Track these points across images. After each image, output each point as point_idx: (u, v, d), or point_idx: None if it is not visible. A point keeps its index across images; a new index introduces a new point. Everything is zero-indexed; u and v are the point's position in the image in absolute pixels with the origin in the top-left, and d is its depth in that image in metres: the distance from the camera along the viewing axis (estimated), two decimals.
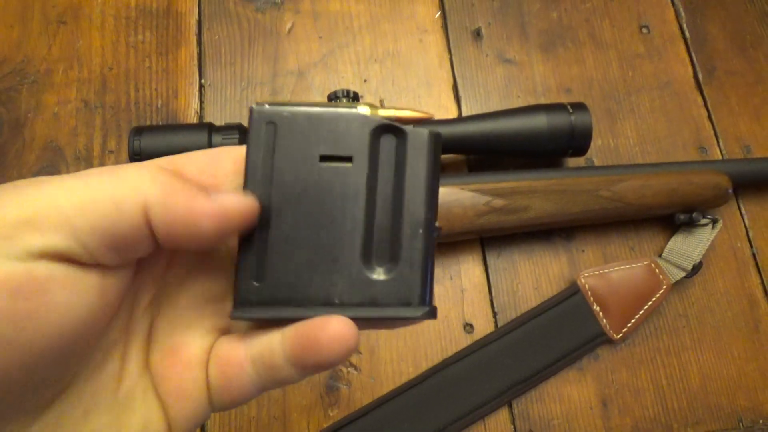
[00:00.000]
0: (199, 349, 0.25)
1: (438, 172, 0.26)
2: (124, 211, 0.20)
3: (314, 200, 0.25)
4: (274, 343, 0.24)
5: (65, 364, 0.21)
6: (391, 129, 0.26)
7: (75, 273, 0.20)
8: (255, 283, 0.25)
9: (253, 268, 0.25)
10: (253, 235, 0.25)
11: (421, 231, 0.25)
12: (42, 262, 0.19)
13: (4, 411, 0.20)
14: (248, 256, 0.25)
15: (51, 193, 0.20)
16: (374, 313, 0.25)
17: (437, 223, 0.26)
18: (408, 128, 0.26)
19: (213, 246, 0.24)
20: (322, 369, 0.24)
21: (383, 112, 0.26)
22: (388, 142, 0.26)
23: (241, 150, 0.26)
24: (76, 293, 0.20)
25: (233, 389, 0.25)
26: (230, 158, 0.26)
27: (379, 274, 0.25)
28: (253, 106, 0.25)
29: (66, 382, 0.22)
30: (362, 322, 0.25)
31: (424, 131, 0.26)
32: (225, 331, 0.27)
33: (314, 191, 0.25)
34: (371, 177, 0.26)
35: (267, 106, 0.25)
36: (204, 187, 0.23)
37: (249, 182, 0.25)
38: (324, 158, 0.25)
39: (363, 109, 0.26)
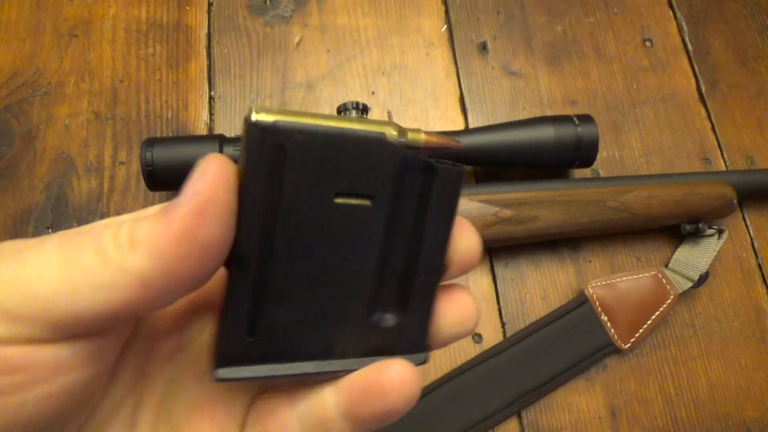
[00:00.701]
0: (231, 415, 0.23)
1: (456, 214, 0.23)
2: (113, 300, 0.18)
3: (323, 242, 0.21)
4: (326, 398, 0.22)
5: (61, 423, 0.20)
6: (421, 164, 0.22)
7: (51, 349, 0.18)
8: (245, 336, 0.21)
9: (244, 319, 0.21)
10: (245, 280, 0.21)
11: (434, 278, 0.23)
12: (14, 346, 0.17)
13: None
14: (239, 304, 0.21)
15: (30, 280, 0.17)
16: (373, 362, 0.22)
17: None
18: (439, 165, 0.22)
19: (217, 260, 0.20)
20: (384, 422, 0.21)
21: (412, 135, 0.22)
22: (414, 177, 0.22)
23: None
24: (54, 367, 0.18)
25: None
26: None
27: (385, 322, 0.23)
28: (253, 116, 0.19)
29: None
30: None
31: (456, 169, 0.22)
32: (262, 389, 0.24)
33: (324, 231, 0.21)
34: (392, 218, 0.22)
35: (271, 119, 0.19)
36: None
37: (245, 218, 0.20)
38: (340, 194, 0.21)
39: (389, 130, 0.21)
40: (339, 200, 0.21)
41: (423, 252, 0.22)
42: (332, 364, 0.22)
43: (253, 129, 0.19)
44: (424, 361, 0.23)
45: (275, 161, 0.19)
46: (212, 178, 0.19)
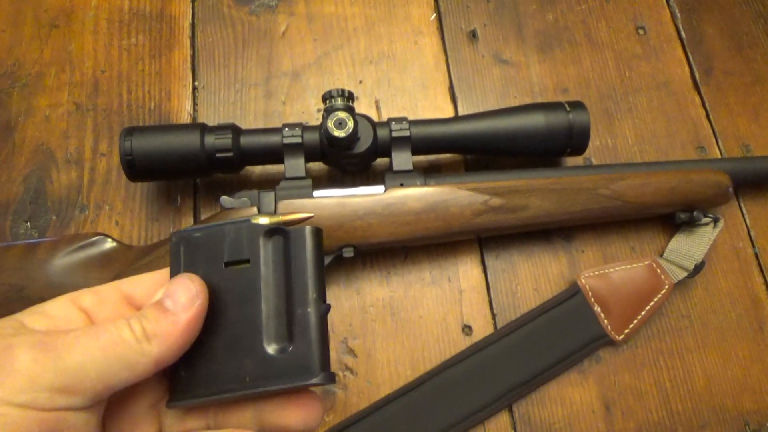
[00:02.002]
0: None
1: (321, 260, 0.32)
2: (135, 375, 0.27)
3: (224, 299, 0.31)
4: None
5: None
6: (277, 231, 0.32)
7: (85, 414, 0.26)
8: (184, 375, 0.30)
9: (182, 364, 0.30)
10: None
11: (309, 310, 0.31)
12: (62, 413, 0.25)
13: None
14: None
15: (82, 365, 0.26)
16: (278, 385, 0.30)
17: (327, 303, 0.32)
18: (290, 229, 0.32)
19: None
20: None
21: (272, 219, 0.32)
22: (276, 242, 0.32)
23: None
24: (85, 426, 0.26)
25: None
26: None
27: (279, 352, 0.30)
28: (172, 232, 0.33)
29: None
30: (275, 393, 0.31)
31: (303, 230, 0.32)
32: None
33: (223, 292, 0.31)
34: (266, 272, 0.31)
35: (183, 229, 0.32)
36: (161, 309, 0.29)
37: None
38: (228, 263, 0.32)
39: (263, 220, 0.32)
40: (228, 268, 0.32)
41: (295, 293, 0.31)
42: (245, 390, 0.30)
43: (171, 237, 0.33)
44: (322, 380, 0.30)
45: (185, 251, 0.32)
46: (203, 293, 0.30)
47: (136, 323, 0.27)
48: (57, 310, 0.29)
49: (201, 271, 0.31)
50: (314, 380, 0.29)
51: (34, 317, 0.28)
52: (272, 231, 0.32)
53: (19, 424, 0.24)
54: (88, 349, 0.26)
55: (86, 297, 0.30)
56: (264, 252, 0.32)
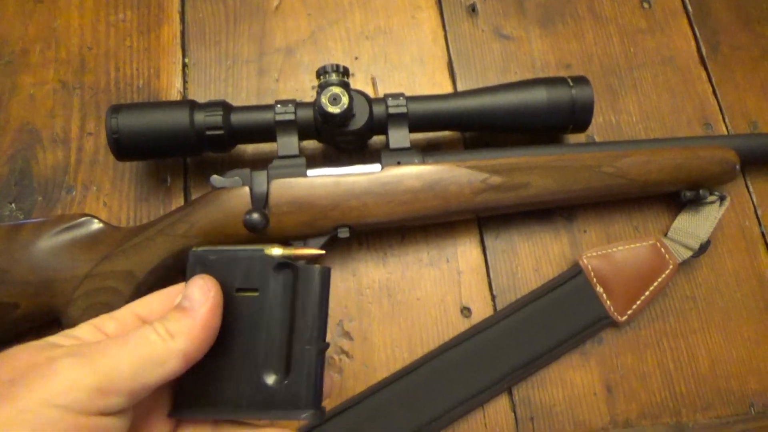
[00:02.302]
0: None
1: (327, 299, 0.33)
2: (167, 371, 0.29)
3: (231, 324, 0.32)
4: None
5: None
6: (287, 266, 0.33)
7: (121, 418, 0.28)
8: (186, 390, 0.32)
9: (187, 379, 0.32)
10: None
11: (308, 347, 0.32)
12: (99, 418, 0.27)
13: None
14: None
15: (116, 368, 0.27)
16: (270, 414, 0.31)
17: (326, 342, 0.33)
18: (301, 265, 0.33)
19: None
20: None
21: (285, 251, 0.33)
22: (286, 276, 0.33)
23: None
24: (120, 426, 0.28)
25: None
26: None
27: (275, 383, 0.32)
28: (191, 251, 0.34)
29: None
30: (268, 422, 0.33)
31: (313, 268, 0.33)
32: None
33: (231, 316, 0.32)
34: (272, 304, 0.33)
35: (201, 249, 0.34)
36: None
37: None
38: (239, 290, 0.33)
39: (276, 251, 0.33)
40: (238, 294, 0.33)
41: (297, 328, 0.32)
42: (238, 413, 0.32)
43: (189, 255, 0.34)
44: (310, 417, 0.31)
45: (201, 271, 0.33)
46: (215, 287, 0.32)
47: (159, 325, 0.29)
48: (84, 334, 0.31)
49: None
50: (303, 416, 0.31)
51: (65, 339, 0.30)
52: (283, 264, 0.33)
53: (58, 426, 0.25)
54: (119, 352, 0.28)
55: (108, 323, 0.32)
56: (273, 284, 0.33)
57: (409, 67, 0.58)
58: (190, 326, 0.30)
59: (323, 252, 0.34)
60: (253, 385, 0.32)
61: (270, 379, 0.32)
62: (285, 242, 0.35)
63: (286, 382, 0.32)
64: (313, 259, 0.34)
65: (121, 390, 0.27)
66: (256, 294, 0.33)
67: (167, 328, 0.29)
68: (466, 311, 0.50)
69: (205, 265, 0.33)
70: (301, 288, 0.33)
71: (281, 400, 0.31)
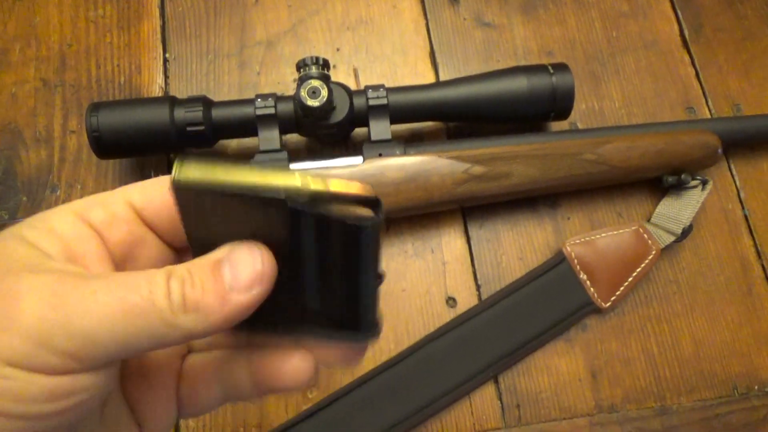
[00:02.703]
0: (168, 372, 0.27)
1: (377, 259, 0.23)
2: (161, 346, 0.22)
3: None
4: (241, 368, 0.26)
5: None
6: (317, 218, 0.22)
7: (90, 376, 0.21)
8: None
9: None
10: None
11: (367, 282, 0.23)
12: (73, 375, 0.21)
13: None
14: None
15: (91, 327, 0.20)
16: (325, 336, 0.25)
17: (381, 270, 0.24)
18: (338, 219, 0.22)
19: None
20: (280, 393, 0.27)
21: (314, 185, 0.21)
22: (312, 229, 0.22)
23: None
24: (92, 389, 0.22)
25: (201, 404, 0.28)
26: None
27: (315, 304, 0.24)
28: (174, 176, 0.21)
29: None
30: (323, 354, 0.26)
31: (353, 227, 0.22)
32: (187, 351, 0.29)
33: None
34: (300, 248, 0.23)
35: (185, 178, 0.21)
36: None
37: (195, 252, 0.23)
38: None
39: (293, 182, 0.21)
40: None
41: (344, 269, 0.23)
42: (301, 333, 0.25)
43: (173, 188, 0.21)
44: (367, 338, 0.25)
45: (197, 205, 0.22)
46: (269, 278, 0.22)
47: (177, 285, 0.21)
48: (65, 227, 0.23)
49: (221, 229, 0.24)
50: (361, 339, 0.25)
51: (40, 234, 0.23)
52: (308, 218, 0.22)
53: (22, 389, 0.20)
54: (108, 312, 0.20)
55: (95, 212, 0.24)
56: (294, 240, 0.23)
57: (390, 57, 0.58)
58: (214, 309, 0.21)
59: (375, 194, 0.23)
60: (302, 309, 0.25)
61: (319, 299, 0.24)
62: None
63: (334, 300, 0.24)
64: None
65: (97, 358, 0.21)
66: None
67: (185, 295, 0.21)
68: (451, 301, 0.50)
69: (204, 200, 0.22)
70: (336, 247, 0.23)
71: (329, 321, 0.24)
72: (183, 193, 0.21)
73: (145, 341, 0.21)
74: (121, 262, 0.25)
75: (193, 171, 0.21)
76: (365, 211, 0.22)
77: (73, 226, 0.23)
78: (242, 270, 0.22)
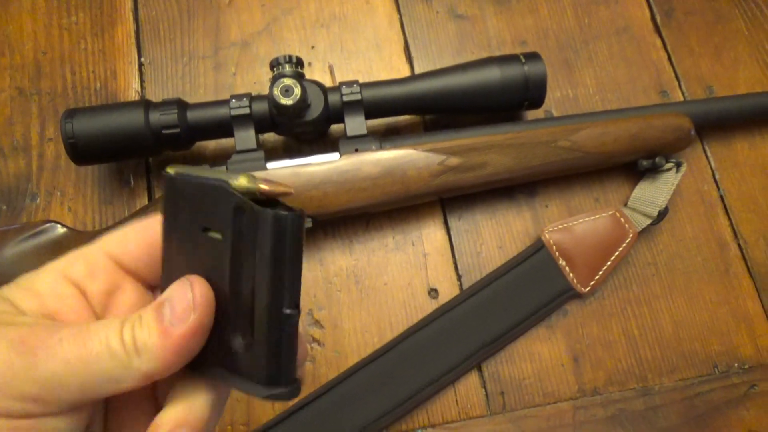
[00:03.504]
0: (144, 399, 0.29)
1: (294, 256, 0.24)
2: (120, 389, 0.24)
3: (195, 266, 0.26)
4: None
5: None
6: (246, 208, 0.24)
7: (54, 420, 0.23)
8: None
9: None
10: None
11: (265, 316, 0.24)
12: (38, 419, 0.23)
13: None
14: None
15: (59, 374, 0.23)
16: (233, 381, 0.25)
17: (290, 310, 0.24)
18: (257, 208, 0.24)
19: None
20: None
21: (249, 185, 0.24)
22: (247, 221, 0.24)
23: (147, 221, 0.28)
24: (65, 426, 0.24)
25: None
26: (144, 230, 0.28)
27: (240, 347, 0.25)
28: (166, 170, 0.26)
29: None
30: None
31: (267, 213, 0.23)
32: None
33: (197, 258, 0.26)
34: (235, 252, 0.24)
35: (174, 172, 0.26)
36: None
37: (165, 250, 0.27)
38: (205, 229, 0.25)
39: (241, 182, 0.24)
40: (206, 234, 0.25)
41: (257, 290, 0.24)
42: (214, 374, 0.26)
43: (164, 176, 0.26)
44: (271, 397, 0.25)
45: (175, 200, 0.26)
46: (203, 306, 0.24)
47: (128, 330, 0.24)
48: (47, 287, 0.26)
49: (180, 232, 0.26)
50: (263, 394, 0.25)
51: (23, 294, 0.25)
52: (241, 206, 0.24)
53: None
54: (70, 358, 0.22)
55: (77, 267, 0.26)
56: (235, 229, 0.24)
57: (365, 53, 0.58)
58: (159, 346, 0.23)
59: (291, 190, 0.25)
60: (224, 345, 0.25)
61: (237, 342, 0.25)
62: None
63: (251, 349, 0.25)
64: (278, 198, 0.25)
65: (61, 401, 0.23)
66: (220, 238, 0.25)
67: (135, 338, 0.23)
68: (433, 293, 0.51)
69: (177, 192, 0.26)
70: (258, 239, 0.24)
71: (246, 367, 0.25)
72: (170, 181, 0.26)
73: (105, 384, 0.23)
74: (102, 310, 0.27)
75: (179, 168, 0.26)
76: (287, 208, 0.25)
77: (53, 284, 0.26)
78: (177, 303, 0.24)
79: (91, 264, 0.27)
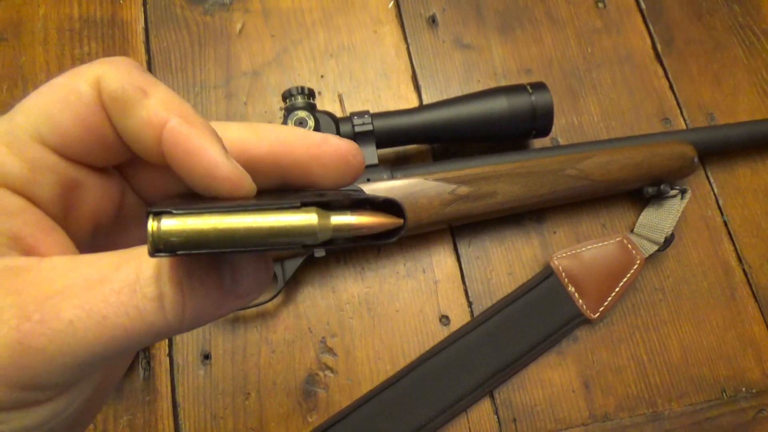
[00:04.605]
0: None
1: None
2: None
3: None
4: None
5: None
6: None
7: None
8: None
9: None
10: None
11: None
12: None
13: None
14: None
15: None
16: None
17: None
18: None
19: None
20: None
21: (336, 220, 0.18)
22: None
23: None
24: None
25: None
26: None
27: None
28: (153, 238, 0.16)
29: None
30: None
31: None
32: None
33: None
34: None
35: (167, 236, 0.16)
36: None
37: None
38: None
39: (309, 217, 0.17)
40: None
41: None
42: None
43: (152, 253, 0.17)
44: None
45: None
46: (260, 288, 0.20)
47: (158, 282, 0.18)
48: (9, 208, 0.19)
49: None
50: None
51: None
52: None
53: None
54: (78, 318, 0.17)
55: (7, 165, 0.19)
56: None
57: (374, 82, 0.59)
58: (202, 314, 0.18)
59: (401, 222, 0.19)
60: None
61: None
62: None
63: None
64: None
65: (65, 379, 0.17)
66: None
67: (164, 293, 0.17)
68: (444, 319, 0.51)
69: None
70: None
71: None
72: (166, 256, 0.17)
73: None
74: (69, 224, 0.21)
75: (177, 225, 0.16)
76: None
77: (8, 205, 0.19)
78: (245, 277, 0.19)
79: (23, 155, 0.19)
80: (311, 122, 0.46)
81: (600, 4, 0.63)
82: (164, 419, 0.48)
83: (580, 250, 0.52)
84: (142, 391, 0.49)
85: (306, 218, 0.17)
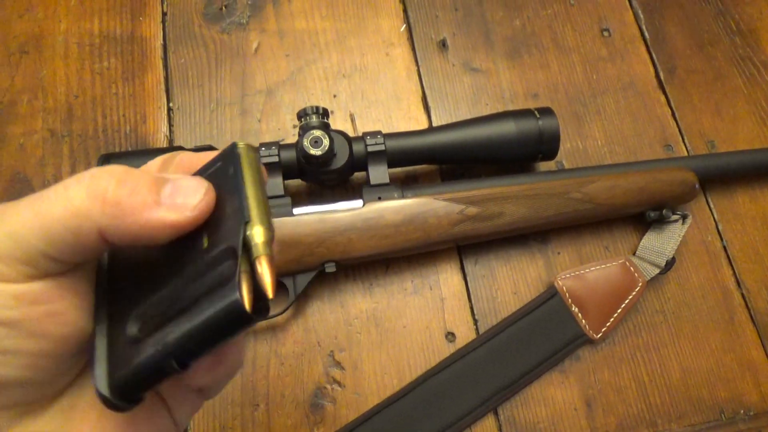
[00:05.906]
0: None
1: (216, 336, 0.23)
2: (81, 235, 0.22)
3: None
4: None
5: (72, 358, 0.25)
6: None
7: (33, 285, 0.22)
8: None
9: None
10: None
11: (159, 345, 0.23)
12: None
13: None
14: None
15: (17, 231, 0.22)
16: (97, 350, 0.25)
17: (175, 364, 0.23)
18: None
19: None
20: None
21: (258, 238, 0.23)
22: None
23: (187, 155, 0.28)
24: (42, 298, 0.23)
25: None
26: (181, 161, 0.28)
27: (128, 336, 0.24)
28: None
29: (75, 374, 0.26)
30: None
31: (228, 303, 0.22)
32: None
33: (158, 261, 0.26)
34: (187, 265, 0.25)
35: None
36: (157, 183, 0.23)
37: None
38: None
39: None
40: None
41: (173, 317, 0.24)
42: None
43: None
44: (106, 401, 0.24)
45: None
46: (204, 210, 0.24)
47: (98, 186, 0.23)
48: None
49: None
50: (102, 392, 0.23)
51: None
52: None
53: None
54: (22, 216, 0.22)
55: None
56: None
57: (385, 102, 0.61)
58: (142, 222, 0.23)
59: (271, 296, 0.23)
60: (123, 316, 0.25)
61: (131, 328, 0.25)
62: None
63: (134, 346, 0.24)
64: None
65: (30, 258, 0.22)
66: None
67: (116, 195, 0.22)
68: (450, 336, 0.53)
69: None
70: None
71: (114, 352, 0.24)
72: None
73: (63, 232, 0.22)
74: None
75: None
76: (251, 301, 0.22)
77: None
78: (184, 189, 0.24)
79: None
80: (326, 141, 0.48)
81: (605, 33, 0.65)
82: None
83: (584, 271, 0.53)
84: None
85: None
